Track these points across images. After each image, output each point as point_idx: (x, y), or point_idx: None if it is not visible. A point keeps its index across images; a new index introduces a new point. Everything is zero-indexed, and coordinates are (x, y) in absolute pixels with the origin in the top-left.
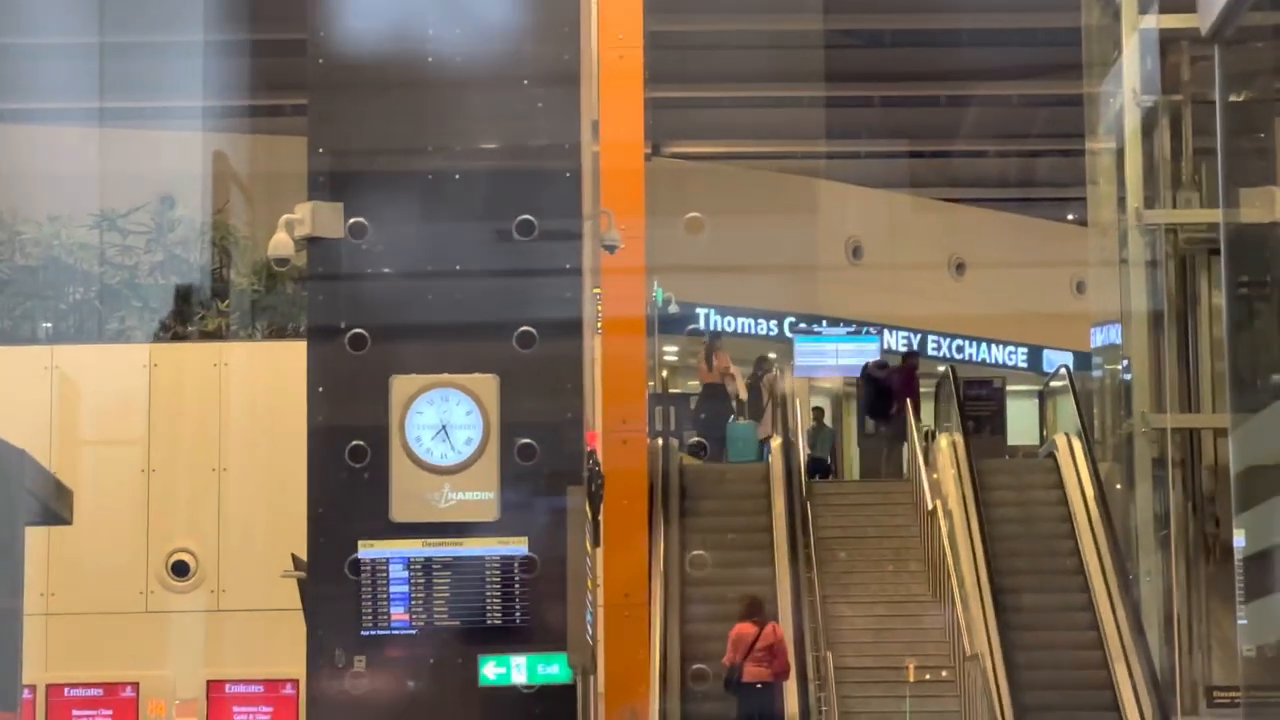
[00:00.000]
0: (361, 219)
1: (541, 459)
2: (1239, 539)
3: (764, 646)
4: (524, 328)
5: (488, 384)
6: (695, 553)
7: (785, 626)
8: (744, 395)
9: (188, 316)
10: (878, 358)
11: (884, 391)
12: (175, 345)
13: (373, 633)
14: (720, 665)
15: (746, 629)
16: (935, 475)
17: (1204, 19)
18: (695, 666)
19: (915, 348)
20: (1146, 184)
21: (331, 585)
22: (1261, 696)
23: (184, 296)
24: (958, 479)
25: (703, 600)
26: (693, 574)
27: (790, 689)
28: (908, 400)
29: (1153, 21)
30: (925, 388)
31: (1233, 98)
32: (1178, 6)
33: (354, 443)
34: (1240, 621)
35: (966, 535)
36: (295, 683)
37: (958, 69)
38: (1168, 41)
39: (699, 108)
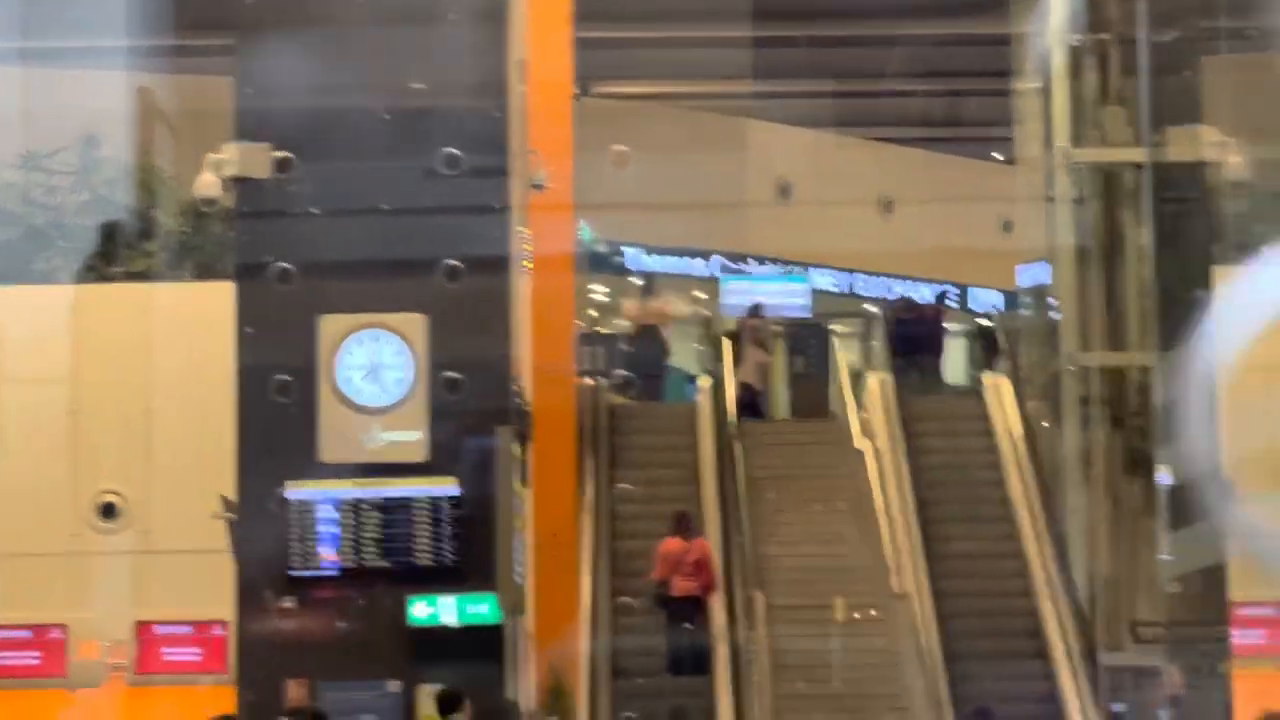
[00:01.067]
0: (288, 153)
1: (470, 398)
2: (1162, 475)
3: (692, 561)
4: (449, 262)
5: (416, 324)
6: (621, 485)
7: (719, 617)
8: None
9: (114, 257)
10: (902, 298)
11: (921, 334)
12: (102, 286)
13: (302, 573)
14: (650, 586)
15: (674, 544)
16: (864, 414)
17: None
18: (621, 599)
19: (852, 287)
20: (1073, 123)
21: (260, 526)
22: (1183, 631)
23: (110, 237)
24: (886, 417)
25: (631, 537)
26: (621, 510)
27: (717, 604)
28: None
29: None
30: (855, 327)
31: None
32: None
33: (279, 376)
34: (1163, 557)
35: (895, 474)
36: (224, 624)
37: (885, 8)
38: None
39: (627, 48)
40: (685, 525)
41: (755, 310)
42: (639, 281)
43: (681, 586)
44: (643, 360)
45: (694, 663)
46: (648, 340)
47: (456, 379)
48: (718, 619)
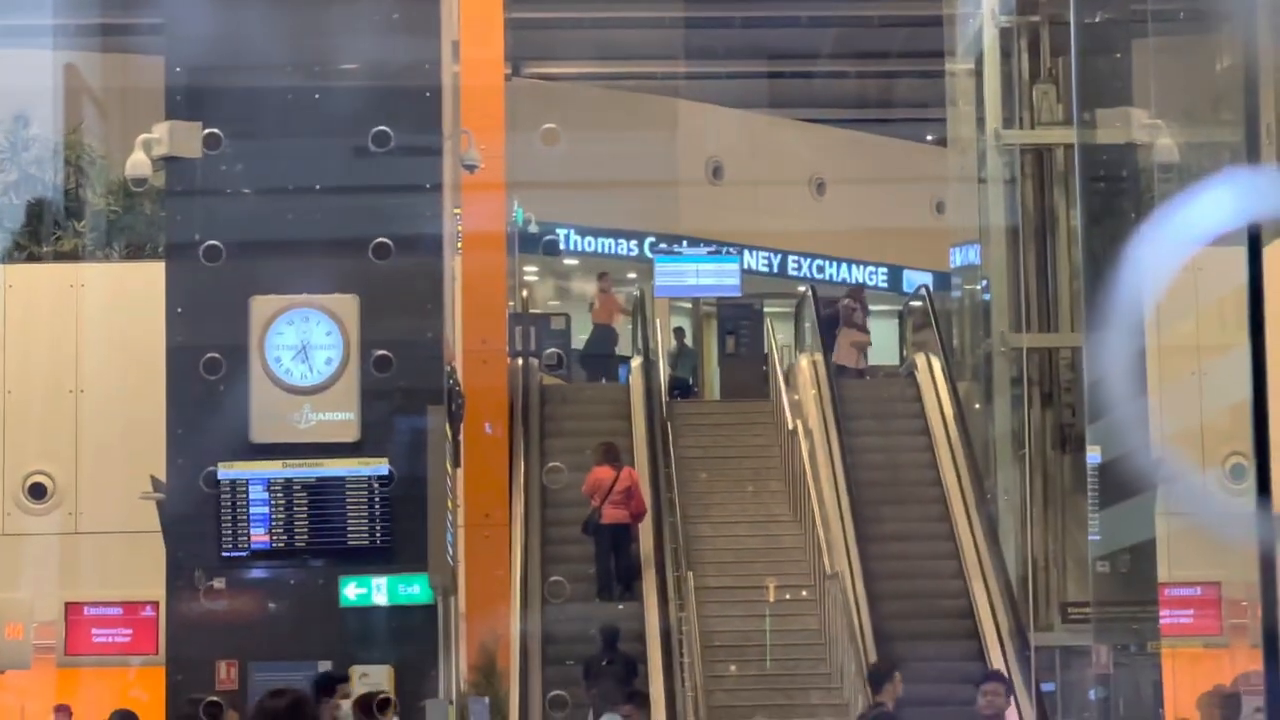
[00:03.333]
0: (216, 130)
1: (402, 378)
2: (1092, 453)
3: (621, 489)
4: (379, 240)
5: (348, 304)
6: (551, 464)
7: (647, 549)
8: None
9: (43, 236)
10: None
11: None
12: (30, 266)
13: (233, 554)
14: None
15: (604, 473)
16: (796, 395)
17: None
18: (553, 579)
19: (784, 268)
20: (1004, 104)
21: (191, 506)
22: (1112, 611)
23: (39, 216)
24: (818, 399)
25: (562, 521)
26: (552, 490)
27: (646, 528)
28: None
29: None
30: (786, 308)
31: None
32: None
33: (208, 355)
34: (1093, 537)
35: (827, 455)
36: (155, 604)
37: None
38: None
39: (559, 28)
40: (613, 455)
41: (853, 292)
42: (597, 275)
43: (610, 514)
44: (595, 348)
45: (624, 588)
46: (602, 330)
47: (388, 359)
48: (645, 544)
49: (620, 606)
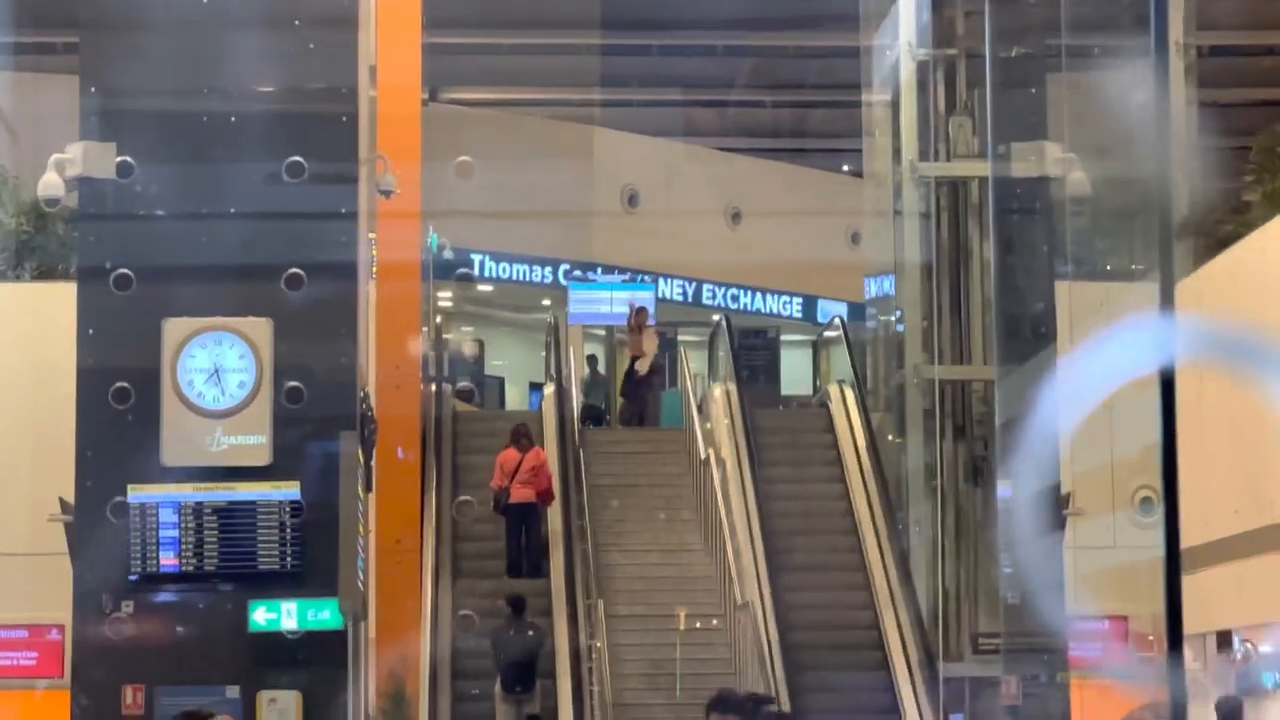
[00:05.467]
0: (128, 158)
1: (314, 403)
2: (1003, 489)
3: (528, 469)
4: (292, 270)
5: (261, 327)
6: (462, 498)
7: (557, 574)
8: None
9: None
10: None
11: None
12: None
13: (141, 577)
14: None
15: (512, 454)
16: (709, 424)
17: None
18: (462, 613)
19: (699, 297)
20: (920, 136)
21: (99, 529)
22: (1022, 642)
23: None
24: (731, 428)
25: (474, 555)
26: (463, 521)
27: (550, 456)
28: None
29: None
30: (701, 336)
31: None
32: None
33: (117, 384)
34: (1005, 569)
35: (739, 484)
36: (61, 628)
37: (735, 18)
38: None
39: (476, 53)
40: (522, 437)
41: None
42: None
43: (518, 493)
44: (629, 384)
45: (531, 566)
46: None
47: (300, 384)
48: (554, 524)
49: (530, 634)
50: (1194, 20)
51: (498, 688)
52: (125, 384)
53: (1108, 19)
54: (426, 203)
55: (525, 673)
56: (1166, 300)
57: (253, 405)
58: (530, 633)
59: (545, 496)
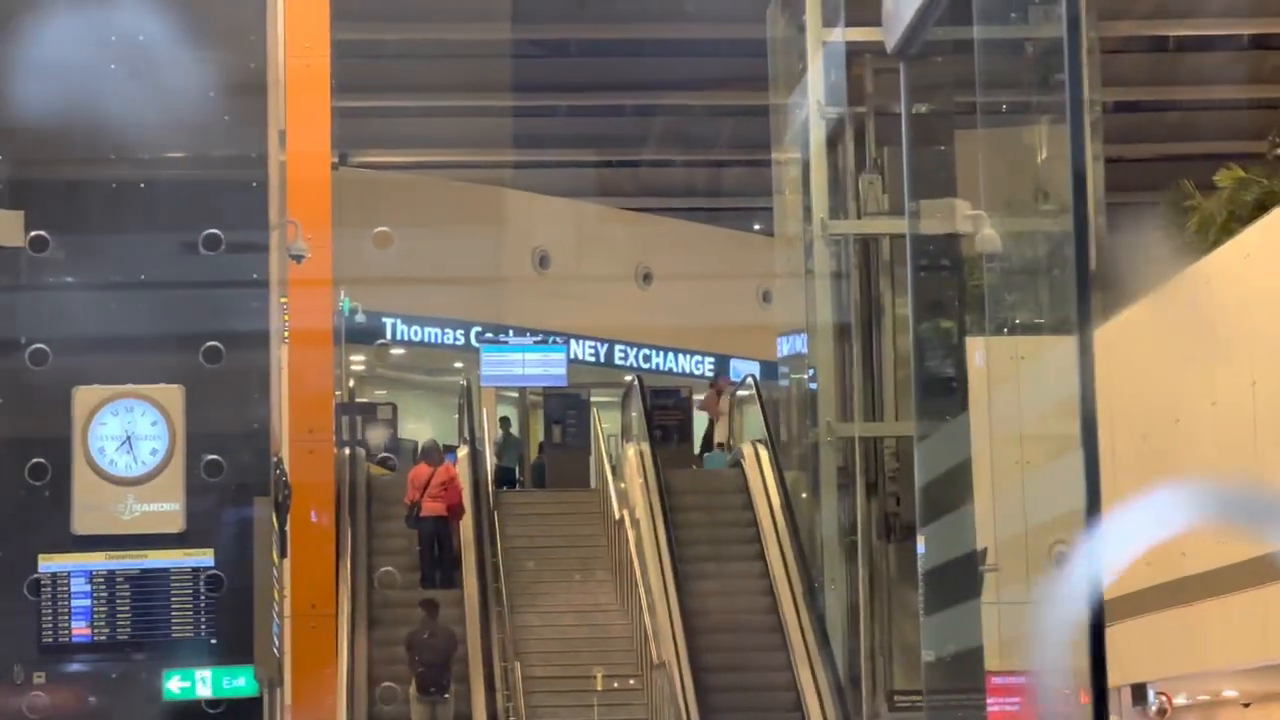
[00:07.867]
0: (43, 232)
1: (228, 470)
2: (922, 548)
3: (439, 483)
4: (210, 343)
5: (173, 394)
6: (384, 569)
7: (473, 639)
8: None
9: None
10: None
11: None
12: None
13: (53, 647)
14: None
15: (423, 470)
16: (623, 485)
17: (889, 35)
18: (384, 685)
19: (611, 357)
20: (831, 195)
21: (10, 599)
22: (940, 699)
23: None
24: (645, 488)
25: (390, 620)
26: (380, 587)
27: (466, 524)
28: None
29: (838, 35)
30: (613, 397)
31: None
32: (862, 20)
33: (34, 460)
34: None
35: (654, 544)
36: None
37: (644, 79)
38: (852, 54)
39: (386, 116)
40: (433, 452)
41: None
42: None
43: (429, 507)
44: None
45: (443, 577)
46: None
47: (214, 451)
48: (475, 688)
49: (444, 636)
50: (1099, 76)
51: (413, 689)
52: (41, 460)
53: (1017, 76)
54: (338, 268)
55: (441, 674)
56: (1085, 351)
57: (165, 472)
58: (444, 635)
59: (455, 510)
